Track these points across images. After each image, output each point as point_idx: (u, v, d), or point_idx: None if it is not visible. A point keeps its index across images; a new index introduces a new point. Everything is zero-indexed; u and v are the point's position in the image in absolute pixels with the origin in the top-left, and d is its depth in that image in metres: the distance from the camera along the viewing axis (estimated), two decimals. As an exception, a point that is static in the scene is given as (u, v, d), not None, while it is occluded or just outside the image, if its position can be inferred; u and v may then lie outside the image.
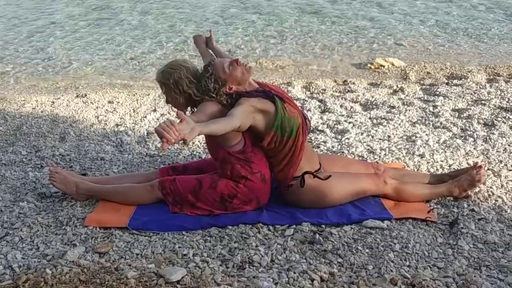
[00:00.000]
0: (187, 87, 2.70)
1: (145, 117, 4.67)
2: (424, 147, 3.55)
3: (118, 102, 5.13)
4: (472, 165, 3.11)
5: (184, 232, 2.61)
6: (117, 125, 4.48)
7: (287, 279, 2.14)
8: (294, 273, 2.18)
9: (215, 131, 2.42)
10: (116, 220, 2.70)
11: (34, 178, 3.27)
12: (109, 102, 5.16)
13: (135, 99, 5.24)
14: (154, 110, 4.84)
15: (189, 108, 2.84)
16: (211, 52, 3.20)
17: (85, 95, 5.39)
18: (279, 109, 2.64)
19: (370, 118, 4.27)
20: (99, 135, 4.21)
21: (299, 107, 2.90)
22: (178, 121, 2.12)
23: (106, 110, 4.91)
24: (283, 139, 2.68)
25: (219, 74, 2.68)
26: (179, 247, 2.45)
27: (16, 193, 3.07)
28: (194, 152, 3.72)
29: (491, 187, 2.99)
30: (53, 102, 5.20)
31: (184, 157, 3.65)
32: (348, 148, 3.57)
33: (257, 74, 6.21)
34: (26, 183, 3.20)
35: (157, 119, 4.61)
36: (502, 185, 3.02)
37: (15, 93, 5.81)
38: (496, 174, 3.14)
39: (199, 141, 3.95)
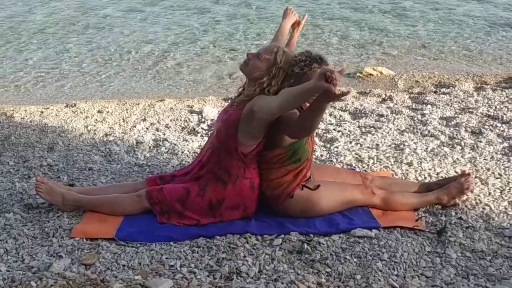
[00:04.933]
0: (276, 82, 2.60)
1: (135, 126, 4.65)
2: (412, 155, 3.57)
3: (108, 112, 5.11)
4: (460, 173, 3.14)
5: (171, 243, 2.59)
6: (106, 134, 4.46)
7: (274, 289, 2.13)
8: (282, 283, 2.17)
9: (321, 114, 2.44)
10: (103, 231, 2.68)
11: (21, 189, 3.23)
12: (99, 111, 5.14)
13: (125, 108, 5.22)
14: (144, 120, 4.82)
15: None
16: (287, 35, 3.10)
17: (75, 105, 5.37)
18: None
19: (359, 126, 4.29)
20: (87, 145, 4.19)
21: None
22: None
23: (96, 119, 4.89)
24: (286, 161, 2.70)
25: (310, 77, 2.54)
26: (166, 258, 2.43)
27: (3, 204, 3.04)
28: (183, 162, 3.70)
29: (478, 195, 3.00)
30: (42, 112, 5.17)
31: (173, 166, 3.63)
32: (336, 157, 3.57)
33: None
34: (12, 194, 3.17)
35: (147, 128, 4.60)
36: (489, 193, 3.04)
37: (3, 102, 5.78)
38: (483, 182, 3.15)
39: (188, 150, 3.94)
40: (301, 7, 9.04)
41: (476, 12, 8.55)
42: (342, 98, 2.26)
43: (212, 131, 2.92)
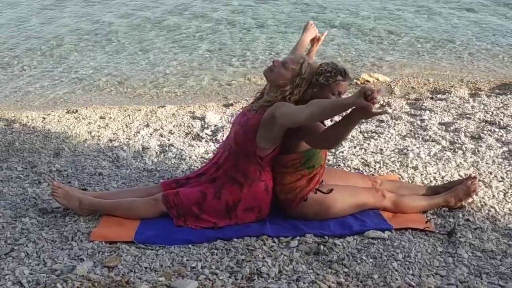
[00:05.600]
0: (298, 91, 2.68)
1: (138, 132, 4.69)
2: (417, 159, 3.67)
3: (110, 118, 5.14)
4: (464, 176, 3.24)
5: (190, 246, 2.65)
6: (110, 140, 4.50)
7: (297, 289, 2.19)
8: (304, 283, 2.24)
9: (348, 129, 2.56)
10: (121, 234, 2.72)
11: (34, 194, 3.26)
12: (101, 117, 5.17)
13: (127, 114, 5.26)
14: (147, 125, 4.87)
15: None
16: (305, 48, 3.20)
17: (76, 111, 5.39)
18: None
19: (361, 132, 4.38)
20: (94, 151, 4.22)
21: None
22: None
23: (99, 125, 4.92)
24: (300, 167, 2.78)
25: (336, 89, 2.68)
26: (187, 260, 2.48)
27: (17, 209, 3.06)
28: (192, 167, 3.76)
29: (483, 198, 3.11)
30: (44, 118, 5.18)
31: (183, 171, 3.69)
32: (343, 161, 3.66)
33: (245, 89, 6.32)
34: (25, 199, 3.19)
35: (151, 134, 4.64)
36: (493, 196, 3.14)
37: (4, 109, 5.77)
38: (487, 185, 3.26)
39: (195, 155, 4.00)
40: (295, 14, 9.19)
41: (467, 20, 8.75)
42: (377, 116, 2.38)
43: (228, 134, 2.98)
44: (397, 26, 8.52)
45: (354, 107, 2.37)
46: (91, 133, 4.70)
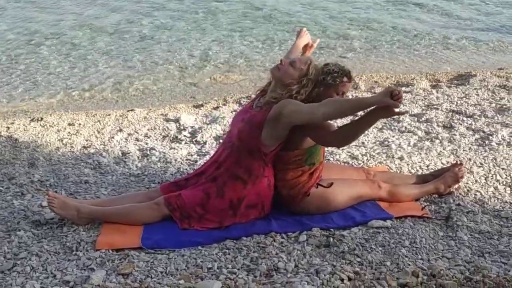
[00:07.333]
0: (304, 91, 2.73)
1: (113, 137, 4.58)
2: (400, 150, 3.81)
3: (80, 124, 4.98)
4: (448, 164, 3.41)
5: (200, 247, 2.64)
6: (85, 147, 4.36)
7: (320, 281, 2.24)
8: (324, 275, 2.29)
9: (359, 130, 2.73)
10: (127, 241, 2.67)
11: (22, 206, 3.12)
12: (70, 124, 5.00)
13: (96, 120, 5.12)
14: (120, 130, 4.75)
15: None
16: (298, 54, 3.24)
17: (42, 119, 5.18)
18: None
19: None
20: (71, 158, 4.09)
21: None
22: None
23: (69, 132, 4.76)
24: (302, 163, 2.83)
25: (341, 90, 2.77)
26: (201, 261, 2.47)
27: (7, 223, 2.92)
28: (180, 169, 3.72)
29: (467, 183, 3.28)
30: (8, 128, 4.94)
31: (172, 174, 3.65)
32: (331, 156, 3.74)
33: (212, 89, 6.31)
34: (14, 212, 3.05)
35: (126, 139, 4.55)
36: (476, 181, 3.32)
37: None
38: (468, 171, 3.44)
39: (180, 158, 3.96)
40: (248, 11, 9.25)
41: (418, 14, 9.15)
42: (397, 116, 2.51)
43: (229, 131, 2.99)
44: (353, 23, 8.77)
45: (374, 107, 2.44)
46: (62, 140, 4.54)
